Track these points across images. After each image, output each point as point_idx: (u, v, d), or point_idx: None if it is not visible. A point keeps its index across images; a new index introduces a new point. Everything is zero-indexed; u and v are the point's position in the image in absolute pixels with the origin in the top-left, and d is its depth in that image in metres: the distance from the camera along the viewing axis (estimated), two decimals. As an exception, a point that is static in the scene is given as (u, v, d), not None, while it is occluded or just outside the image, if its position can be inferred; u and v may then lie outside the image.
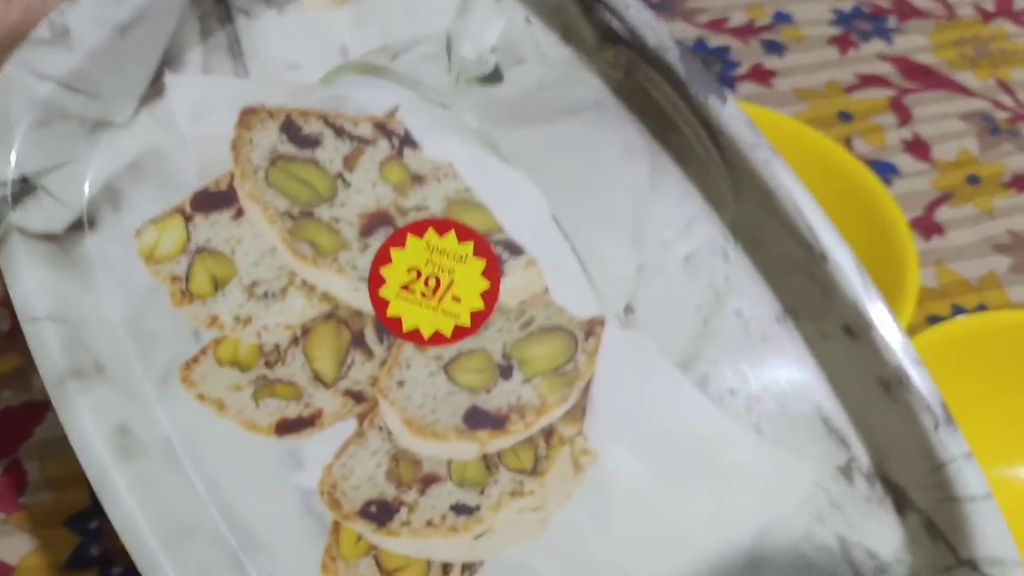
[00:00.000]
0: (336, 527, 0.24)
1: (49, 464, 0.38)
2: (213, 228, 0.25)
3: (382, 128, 0.25)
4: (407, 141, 0.25)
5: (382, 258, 0.25)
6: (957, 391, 0.32)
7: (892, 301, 0.34)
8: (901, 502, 0.23)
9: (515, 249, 0.25)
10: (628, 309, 0.24)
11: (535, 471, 0.24)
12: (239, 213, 0.25)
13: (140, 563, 0.22)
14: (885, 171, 0.54)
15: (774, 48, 0.59)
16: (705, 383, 0.24)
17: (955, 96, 0.58)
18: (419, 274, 0.25)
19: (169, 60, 0.25)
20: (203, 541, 0.23)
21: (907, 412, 0.22)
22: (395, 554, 0.24)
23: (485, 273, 0.25)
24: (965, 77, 0.58)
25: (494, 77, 0.25)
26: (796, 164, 0.40)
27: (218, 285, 0.25)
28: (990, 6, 0.63)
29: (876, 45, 0.60)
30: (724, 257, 0.24)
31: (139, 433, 0.24)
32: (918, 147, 0.55)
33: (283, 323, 0.25)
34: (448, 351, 0.24)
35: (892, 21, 0.61)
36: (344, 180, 0.25)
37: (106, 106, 0.25)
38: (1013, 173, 0.54)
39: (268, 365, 0.25)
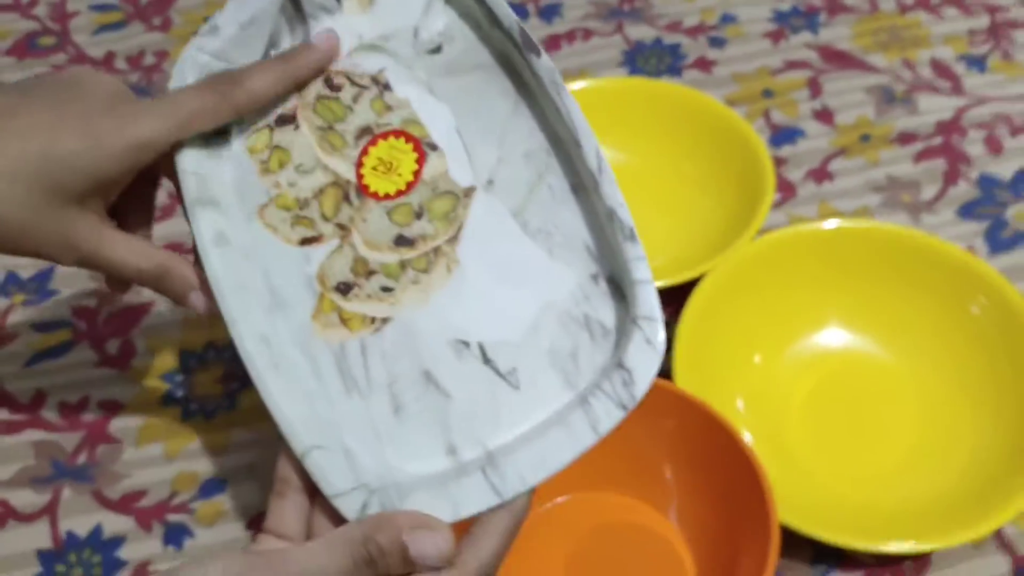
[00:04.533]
0: (321, 297, 0.43)
1: (151, 341, 0.59)
2: (283, 135, 0.46)
3: (375, 80, 0.45)
4: (386, 87, 0.44)
5: (364, 152, 0.44)
6: (784, 269, 0.49)
7: (754, 208, 0.52)
8: (620, 294, 0.38)
9: (434, 148, 0.43)
10: (490, 182, 0.42)
11: (426, 271, 0.42)
12: (297, 127, 0.45)
13: (216, 298, 0.43)
14: (793, 134, 0.67)
15: (717, 43, 0.73)
16: (525, 225, 0.41)
17: (863, 74, 0.69)
18: (381, 160, 0.44)
19: (272, 43, 0.46)
20: (252, 292, 0.43)
21: (617, 236, 0.38)
22: (348, 310, 0.42)
23: (417, 161, 0.43)
24: (875, 58, 0.69)
25: (437, 50, 0.44)
26: (685, 118, 0.61)
27: (282, 165, 0.45)
28: (910, 1, 0.72)
29: (804, 36, 0.72)
30: (548, 153, 0.41)
31: (231, 238, 0.44)
32: (824, 115, 0.67)
33: (310, 186, 0.45)
34: (390, 204, 0.43)
35: (823, 16, 0.73)
36: (351, 109, 0.45)
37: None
38: (900, 131, 0.65)
39: (300, 208, 0.45)
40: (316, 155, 0.44)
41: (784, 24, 0.71)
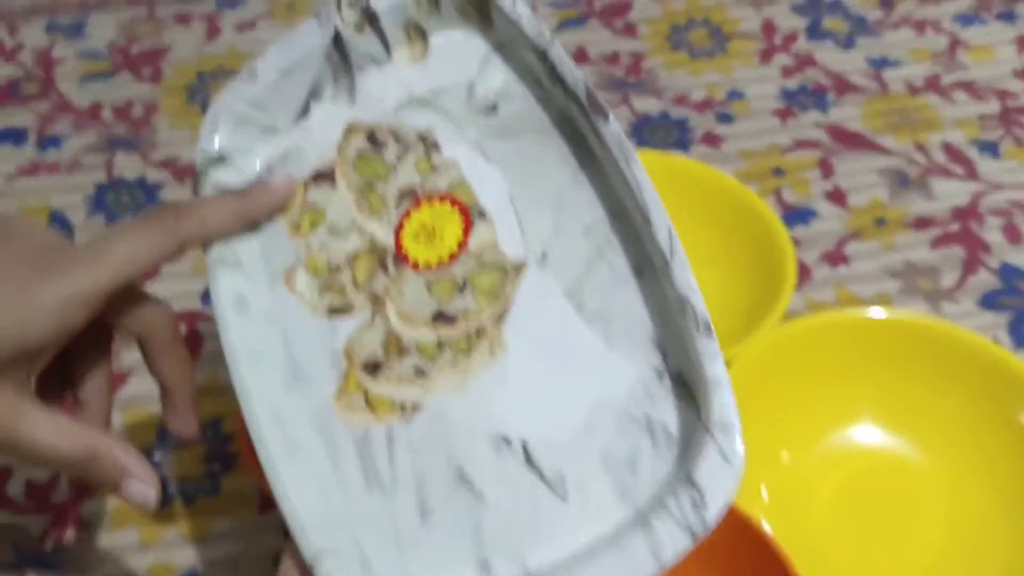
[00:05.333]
0: (348, 374, 0.38)
1: (128, 413, 0.53)
2: (319, 193, 0.41)
3: (422, 138, 0.40)
4: (434, 147, 0.40)
5: (406, 215, 0.40)
6: (805, 363, 0.44)
7: (774, 293, 0.47)
8: (689, 395, 0.33)
9: (483, 215, 0.38)
10: (543, 256, 0.37)
11: (466, 352, 0.37)
12: (333, 184, 0.41)
13: (229, 367, 0.38)
14: (805, 215, 0.63)
15: (725, 118, 0.69)
16: (581, 308, 0.36)
17: (875, 155, 0.65)
18: (423, 226, 0.39)
19: (313, 94, 0.42)
20: (270, 363, 0.38)
21: (689, 328, 0.33)
22: (375, 393, 0.38)
23: (464, 229, 0.39)
24: (886, 140, 0.66)
25: (492, 109, 0.40)
26: (698, 194, 0.56)
27: (314, 226, 0.41)
28: (919, 83, 0.70)
29: (813, 115, 0.69)
30: (610, 227, 0.36)
31: (252, 303, 0.40)
32: (837, 196, 0.63)
33: (343, 251, 0.40)
34: (431, 275, 0.38)
35: (831, 96, 0.69)
36: (394, 168, 0.41)
37: (273, 118, 0.42)
38: (916, 216, 0.61)
39: (330, 274, 0.40)
40: (352, 216, 0.40)
41: (792, 102, 0.68)
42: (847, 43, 0.73)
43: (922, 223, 0.62)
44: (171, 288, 0.59)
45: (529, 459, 0.35)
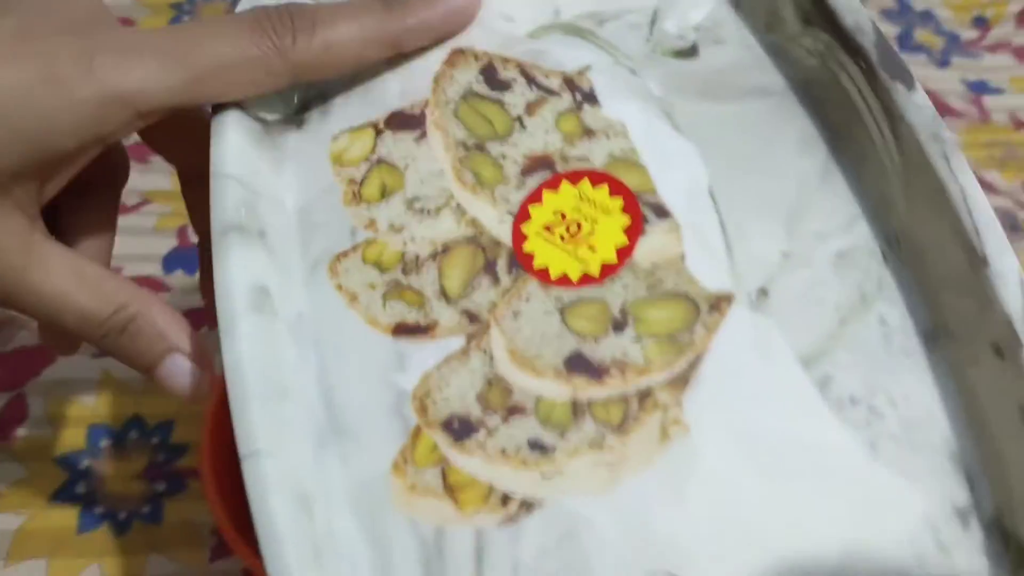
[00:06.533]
0: (417, 432, 0.24)
1: (52, 403, 0.41)
2: (396, 144, 0.27)
3: (570, 83, 0.26)
4: (589, 98, 0.26)
5: (534, 197, 0.25)
6: None
7: None
8: (1018, 560, 0.19)
9: (662, 212, 0.24)
10: (762, 292, 0.23)
11: (621, 428, 0.23)
12: (422, 136, 0.27)
13: (234, 403, 0.24)
14: None
15: None
16: (826, 385, 0.22)
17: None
18: (563, 218, 0.25)
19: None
20: (295, 407, 0.24)
21: None
22: (462, 471, 0.23)
23: (627, 230, 0.24)
24: (992, 176, 0.58)
25: (689, 53, 0.26)
26: None
27: (385, 193, 0.27)
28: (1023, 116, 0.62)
29: None
30: (881, 260, 0.22)
31: (276, 298, 0.25)
32: None
33: (429, 238, 0.26)
34: (569, 294, 0.24)
35: None
36: (521, 123, 0.26)
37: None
38: None
39: (404, 272, 0.26)
40: (448, 189, 0.26)
41: None
42: (942, 62, 0.63)
43: None
44: (124, 248, 0.43)
45: (719, 626, 0.20)
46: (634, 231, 0.24)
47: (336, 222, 0.27)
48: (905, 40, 0.65)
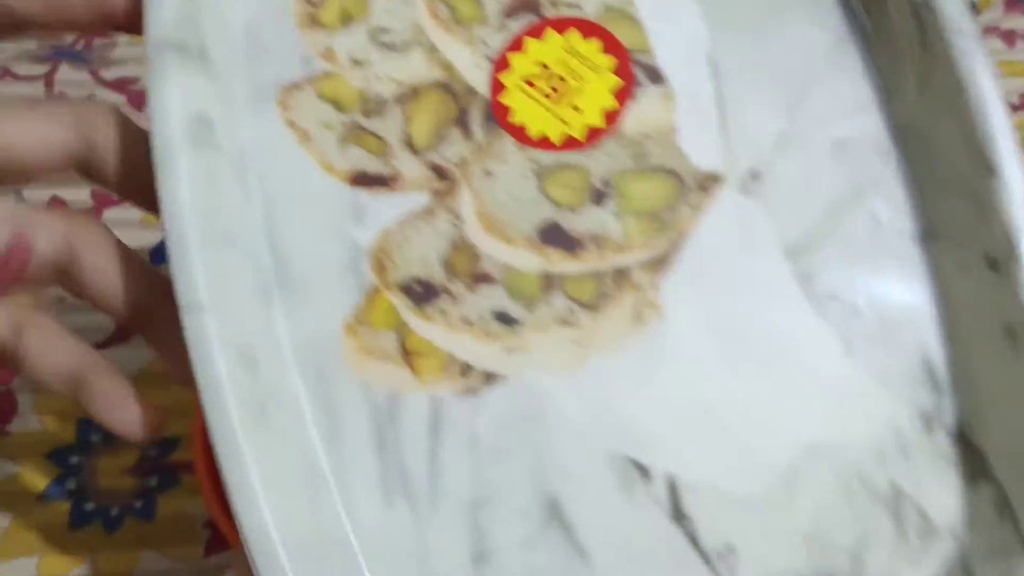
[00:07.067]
0: (374, 293, 0.22)
1: (41, 398, 0.38)
2: (361, -37, 0.24)
3: (564, -85, 0.23)
4: (584, -65, 0.23)
5: (516, 44, 0.23)
6: None
7: None
8: (977, 470, 0.19)
9: (656, 77, 0.22)
10: (754, 175, 0.22)
11: (592, 306, 0.22)
12: (392, -44, 0.24)
13: (172, 249, 0.21)
14: None
15: None
16: (809, 279, 0.21)
17: None
18: (545, 70, 0.23)
19: None
20: (239, 255, 0.22)
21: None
22: (420, 337, 0.22)
23: (616, 92, 0.22)
24: None
25: (698, -103, 0.23)
26: None
27: (345, 19, 0.24)
28: (1015, 99, 0.61)
29: None
30: (881, 154, 0.21)
31: (219, 130, 0.23)
32: None
33: (395, 77, 0.23)
34: (548, 158, 0.22)
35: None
36: (507, -45, 0.23)
37: None
38: None
39: (365, 113, 0.23)
40: (419, 22, 0.23)
41: None
42: None
43: None
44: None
45: (678, 509, 0.21)
46: (624, 94, 0.22)
47: (287, 47, 0.24)
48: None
